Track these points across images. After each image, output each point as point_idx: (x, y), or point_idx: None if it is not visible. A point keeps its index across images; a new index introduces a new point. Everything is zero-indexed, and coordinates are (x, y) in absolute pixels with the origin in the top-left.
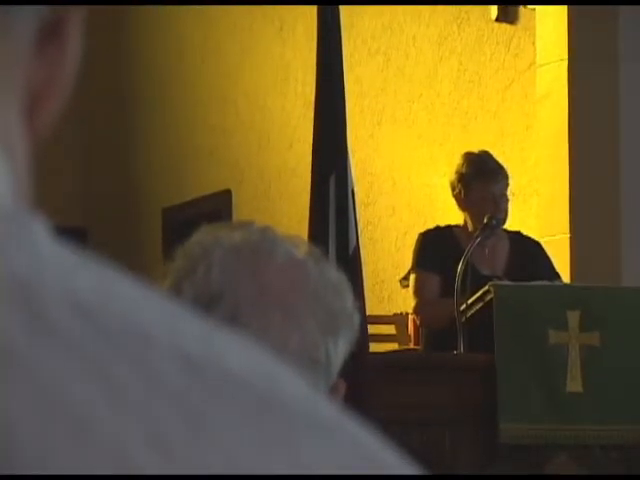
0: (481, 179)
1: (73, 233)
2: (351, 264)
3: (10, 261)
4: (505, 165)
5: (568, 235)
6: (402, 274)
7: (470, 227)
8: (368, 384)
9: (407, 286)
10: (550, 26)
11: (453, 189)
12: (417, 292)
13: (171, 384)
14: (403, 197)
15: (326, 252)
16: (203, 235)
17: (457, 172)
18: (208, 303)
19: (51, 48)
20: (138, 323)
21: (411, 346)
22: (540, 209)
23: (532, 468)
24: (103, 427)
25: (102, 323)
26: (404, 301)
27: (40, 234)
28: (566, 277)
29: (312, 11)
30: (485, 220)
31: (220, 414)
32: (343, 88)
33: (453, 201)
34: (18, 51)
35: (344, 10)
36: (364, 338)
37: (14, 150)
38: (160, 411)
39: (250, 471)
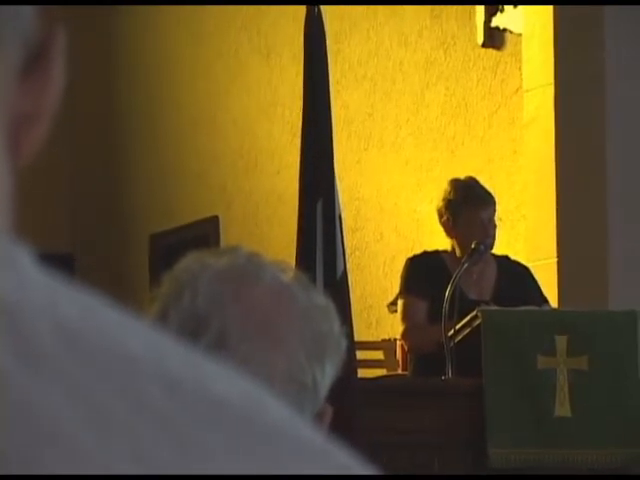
0: (469, 206)
1: (60, 259)
2: (339, 289)
3: None
4: (492, 190)
5: (555, 260)
6: (390, 300)
7: (458, 253)
8: (356, 409)
9: (395, 311)
10: (536, 51)
11: (441, 216)
12: (405, 317)
13: (155, 406)
14: (390, 222)
15: (314, 277)
16: (190, 261)
17: (444, 199)
18: (195, 328)
19: (36, 74)
20: (122, 346)
21: (399, 372)
22: (527, 234)
23: None
24: (88, 449)
25: (86, 346)
26: (392, 327)
27: (24, 261)
28: (554, 301)
29: (299, 36)
30: (473, 245)
31: (204, 434)
32: (330, 114)
33: (441, 226)
34: (4, 77)
35: (330, 35)
36: (352, 364)
37: None
38: (144, 432)
39: None
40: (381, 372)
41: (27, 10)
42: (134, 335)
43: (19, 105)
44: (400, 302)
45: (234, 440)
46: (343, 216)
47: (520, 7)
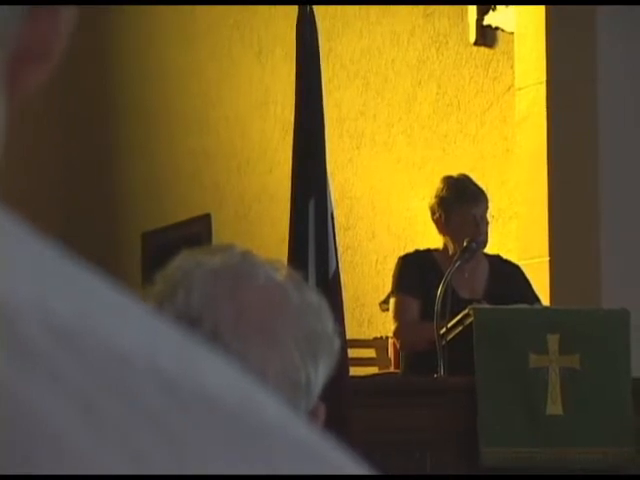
0: (461, 203)
1: None
2: (331, 288)
3: None
4: (485, 188)
5: (547, 258)
6: (382, 298)
7: (450, 250)
8: (348, 408)
9: (387, 309)
10: (528, 49)
11: (433, 213)
12: (397, 315)
13: (149, 404)
14: (383, 221)
15: (306, 276)
16: (183, 259)
17: (437, 196)
18: (188, 326)
19: (44, 8)
20: (116, 344)
21: (391, 370)
22: (519, 232)
23: None
24: (83, 449)
25: (79, 345)
26: (384, 325)
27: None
28: (545, 300)
29: (291, 35)
30: (465, 243)
31: (199, 433)
32: (322, 112)
33: (433, 225)
34: (6, 10)
35: (323, 34)
36: (344, 362)
37: None
38: (139, 431)
39: None
40: (373, 370)
41: None
42: (128, 330)
43: (23, 39)
44: (392, 300)
45: (229, 439)
46: (335, 214)
47: (512, 6)
